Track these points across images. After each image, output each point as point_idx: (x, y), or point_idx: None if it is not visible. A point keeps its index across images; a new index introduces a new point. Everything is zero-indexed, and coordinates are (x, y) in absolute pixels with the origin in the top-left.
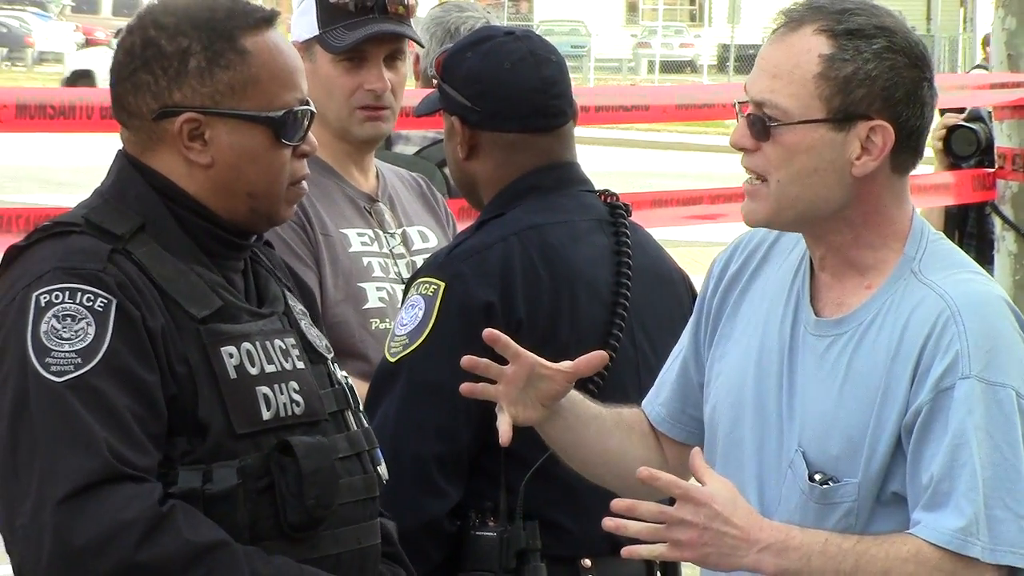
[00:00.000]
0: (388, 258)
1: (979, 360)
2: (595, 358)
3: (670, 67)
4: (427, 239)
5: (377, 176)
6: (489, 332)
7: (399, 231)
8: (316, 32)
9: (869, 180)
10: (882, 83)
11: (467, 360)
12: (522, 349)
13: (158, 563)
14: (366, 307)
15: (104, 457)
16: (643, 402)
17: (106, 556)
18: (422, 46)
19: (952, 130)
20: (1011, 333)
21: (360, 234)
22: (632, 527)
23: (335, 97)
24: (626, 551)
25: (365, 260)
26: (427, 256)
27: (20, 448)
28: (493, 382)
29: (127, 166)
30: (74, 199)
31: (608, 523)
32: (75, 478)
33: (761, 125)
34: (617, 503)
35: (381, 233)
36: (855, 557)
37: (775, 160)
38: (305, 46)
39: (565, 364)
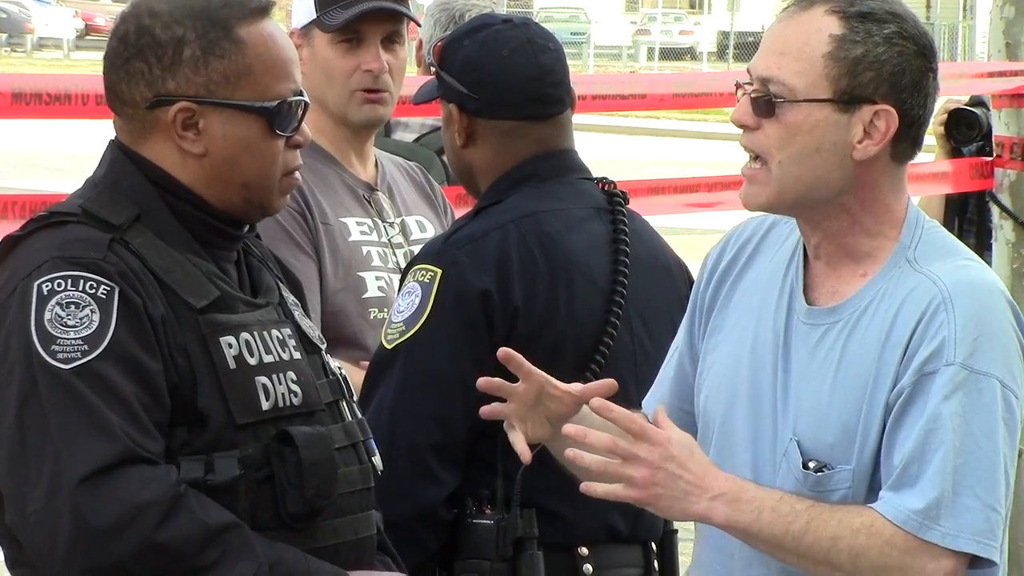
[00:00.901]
0: (387, 247)
1: (965, 348)
2: (604, 385)
3: (670, 54)
4: (425, 229)
5: (376, 165)
6: (504, 352)
7: (398, 220)
8: (314, 15)
9: (869, 165)
10: (890, 68)
11: (483, 382)
12: (534, 368)
13: (176, 544)
14: (365, 296)
15: (121, 439)
16: (643, 402)
17: (126, 538)
18: (419, 24)
19: (954, 114)
20: (1002, 322)
21: (359, 223)
22: (588, 459)
23: (334, 80)
24: (584, 487)
25: (364, 249)
26: None
27: (29, 436)
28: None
29: (120, 155)
30: (71, 185)
31: (568, 453)
32: (93, 460)
33: (765, 102)
34: (568, 428)
35: (380, 222)
36: (807, 519)
37: (776, 139)
38: (304, 32)
39: (575, 387)
